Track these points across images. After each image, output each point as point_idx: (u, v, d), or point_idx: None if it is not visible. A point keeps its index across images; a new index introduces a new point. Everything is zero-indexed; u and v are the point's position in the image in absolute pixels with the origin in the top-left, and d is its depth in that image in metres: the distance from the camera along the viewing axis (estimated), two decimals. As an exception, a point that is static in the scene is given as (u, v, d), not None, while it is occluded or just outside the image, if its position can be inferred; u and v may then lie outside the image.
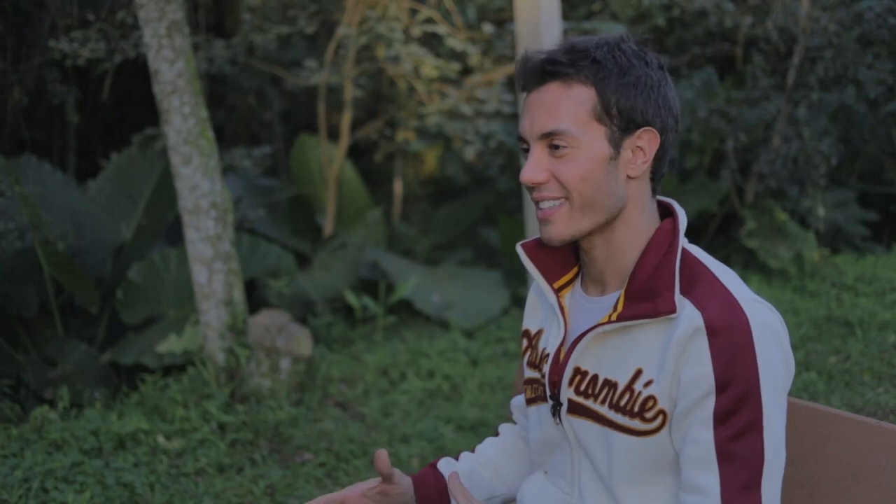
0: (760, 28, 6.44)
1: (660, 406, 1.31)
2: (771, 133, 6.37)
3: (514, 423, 1.71)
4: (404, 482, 1.55)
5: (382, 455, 1.47)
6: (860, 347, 4.29)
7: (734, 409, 1.26)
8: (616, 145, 1.34)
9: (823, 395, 3.80)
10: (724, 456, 1.27)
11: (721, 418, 1.27)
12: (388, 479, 1.51)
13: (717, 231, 6.90)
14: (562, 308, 1.45)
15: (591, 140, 1.33)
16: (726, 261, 6.26)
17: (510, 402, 1.71)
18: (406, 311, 5.90)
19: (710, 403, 1.27)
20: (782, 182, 6.22)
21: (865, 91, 6.20)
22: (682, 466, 1.31)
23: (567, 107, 1.33)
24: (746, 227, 6.04)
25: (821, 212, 6.15)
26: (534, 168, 1.35)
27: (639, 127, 1.34)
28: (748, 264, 6.26)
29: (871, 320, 4.62)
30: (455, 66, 6.84)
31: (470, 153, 6.83)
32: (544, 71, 1.35)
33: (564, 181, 1.34)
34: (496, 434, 1.71)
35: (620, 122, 1.34)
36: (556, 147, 1.34)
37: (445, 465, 1.62)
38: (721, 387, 1.26)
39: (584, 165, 1.33)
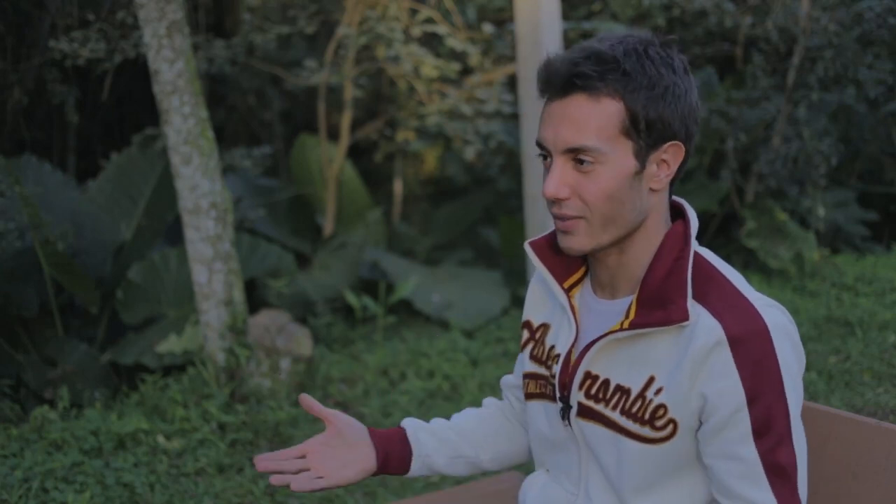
0: (760, 28, 6.44)
1: (670, 415, 1.31)
2: (771, 133, 6.36)
3: (501, 399, 1.71)
4: (344, 415, 1.53)
5: (305, 398, 1.46)
6: (860, 347, 4.29)
7: (769, 419, 1.27)
8: (642, 160, 1.31)
9: (823, 395, 3.80)
10: (771, 468, 1.27)
11: (759, 432, 1.27)
12: (323, 416, 1.49)
13: (717, 231, 6.90)
14: (572, 308, 1.44)
15: (618, 156, 1.30)
16: (726, 261, 6.24)
17: (500, 380, 1.71)
18: (406, 311, 5.90)
19: (745, 418, 1.27)
20: (782, 182, 6.21)
21: (865, 91, 6.20)
22: (724, 478, 1.30)
23: (595, 122, 1.28)
24: (746, 227, 6.03)
25: (821, 212, 6.14)
26: (556, 183, 1.31)
27: (666, 140, 1.31)
28: (748, 264, 6.26)
29: (871, 320, 4.62)
30: (455, 66, 6.83)
31: (470, 153, 6.83)
32: (571, 84, 1.29)
33: (587, 198, 1.31)
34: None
35: (648, 136, 1.30)
36: (581, 162, 1.30)
37: (408, 421, 1.61)
38: (752, 400, 1.26)
39: (609, 182, 1.30)
